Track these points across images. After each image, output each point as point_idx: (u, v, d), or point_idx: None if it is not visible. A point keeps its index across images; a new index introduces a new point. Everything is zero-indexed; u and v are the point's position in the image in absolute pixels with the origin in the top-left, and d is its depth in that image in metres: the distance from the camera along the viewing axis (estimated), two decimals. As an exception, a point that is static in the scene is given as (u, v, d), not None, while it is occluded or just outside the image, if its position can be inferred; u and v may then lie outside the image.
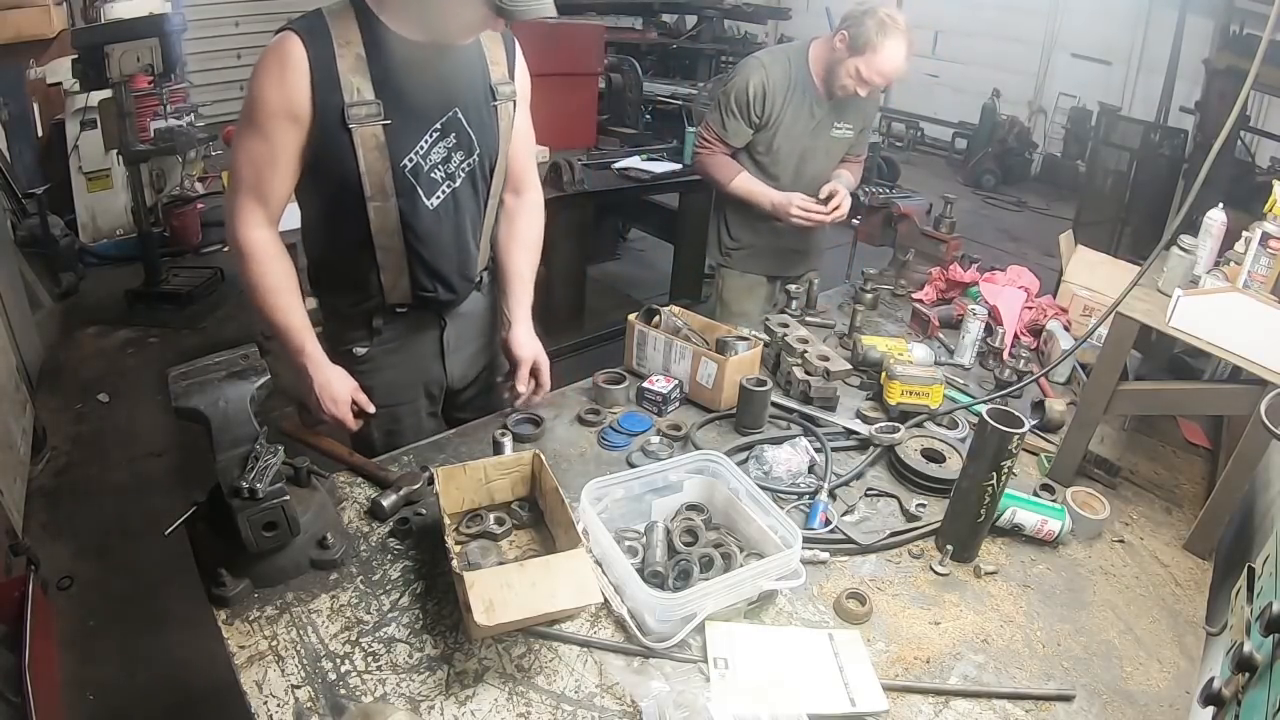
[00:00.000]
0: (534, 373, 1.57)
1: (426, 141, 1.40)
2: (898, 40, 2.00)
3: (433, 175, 1.43)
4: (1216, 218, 1.50)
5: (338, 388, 1.45)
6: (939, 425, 1.67)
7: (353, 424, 1.48)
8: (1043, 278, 2.23)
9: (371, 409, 1.50)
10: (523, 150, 1.62)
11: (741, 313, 2.41)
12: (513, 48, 1.52)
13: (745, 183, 2.27)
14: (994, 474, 1.25)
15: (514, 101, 1.51)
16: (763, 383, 1.60)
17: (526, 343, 1.57)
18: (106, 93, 3.77)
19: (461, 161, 1.45)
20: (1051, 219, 6.71)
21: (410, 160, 1.39)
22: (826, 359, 1.70)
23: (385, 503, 1.31)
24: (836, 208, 2.18)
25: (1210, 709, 0.91)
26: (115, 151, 4.04)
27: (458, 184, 1.46)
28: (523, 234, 1.64)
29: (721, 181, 2.30)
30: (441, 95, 1.40)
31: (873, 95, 2.26)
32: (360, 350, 1.56)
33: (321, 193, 1.42)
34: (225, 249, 4.74)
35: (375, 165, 1.36)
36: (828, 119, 2.23)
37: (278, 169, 1.35)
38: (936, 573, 1.30)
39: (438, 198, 1.45)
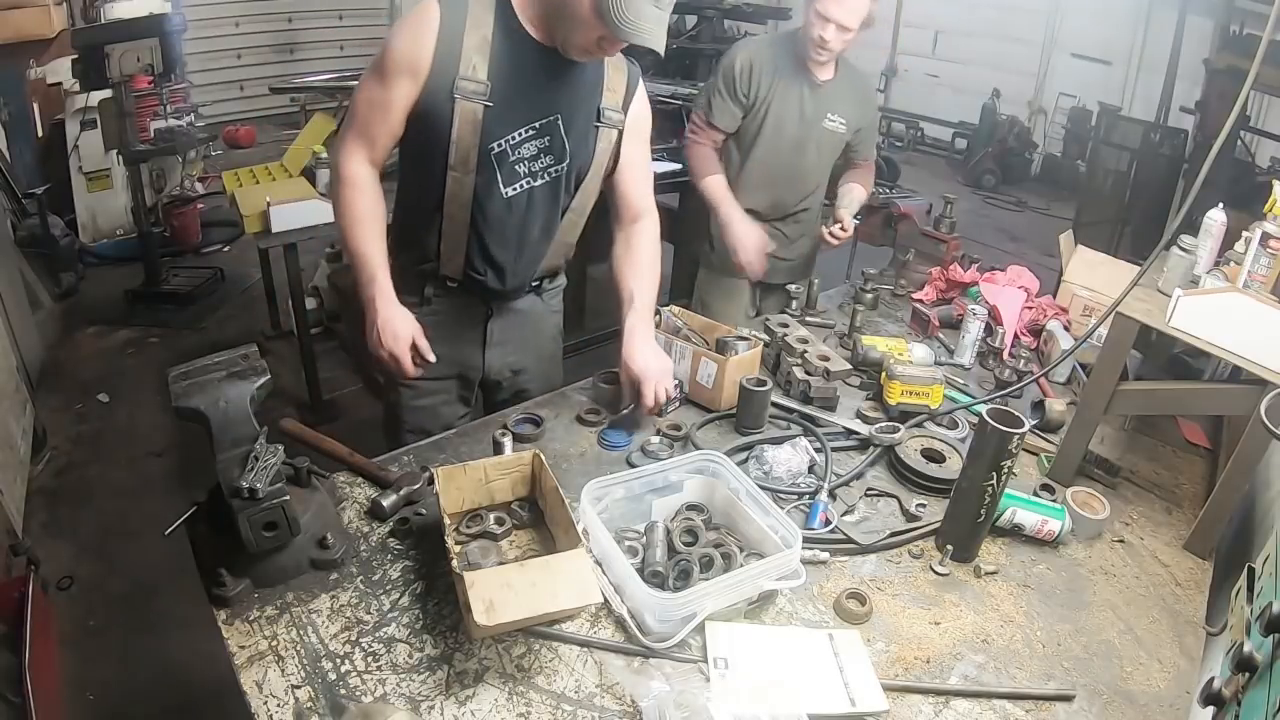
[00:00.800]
0: (635, 386, 1.55)
1: (519, 135, 1.46)
2: None
3: (516, 167, 1.48)
4: (1216, 218, 1.50)
5: (400, 325, 1.45)
6: (939, 425, 1.67)
7: (410, 367, 1.46)
8: (1043, 278, 2.22)
9: (433, 357, 1.49)
10: (641, 180, 1.68)
11: (720, 313, 2.34)
12: (635, 83, 1.57)
13: (716, 186, 2.23)
14: (994, 474, 1.25)
15: (619, 130, 1.56)
16: (763, 383, 1.60)
17: (636, 357, 1.55)
18: (106, 93, 3.76)
19: (550, 165, 1.51)
20: (1051, 219, 6.69)
21: (498, 145, 1.45)
22: (826, 359, 1.70)
23: (385, 503, 1.31)
24: (835, 234, 2.20)
25: (1210, 709, 0.92)
26: (115, 151, 4.03)
27: (538, 183, 1.52)
28: (641, 259, 1.69)
29: (696, 174, 2.27)
30: (548, 99, 1.47)
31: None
32: None
33: (411, 151, 1.51)
34: (227, 249, 4.81)
35: (465, 139, 1.43)
36: (819, 109, 2.20)
37: (387, 118, 1.43)
38: (936, 573, 1.30)
39: (514, 189, 1.50)
